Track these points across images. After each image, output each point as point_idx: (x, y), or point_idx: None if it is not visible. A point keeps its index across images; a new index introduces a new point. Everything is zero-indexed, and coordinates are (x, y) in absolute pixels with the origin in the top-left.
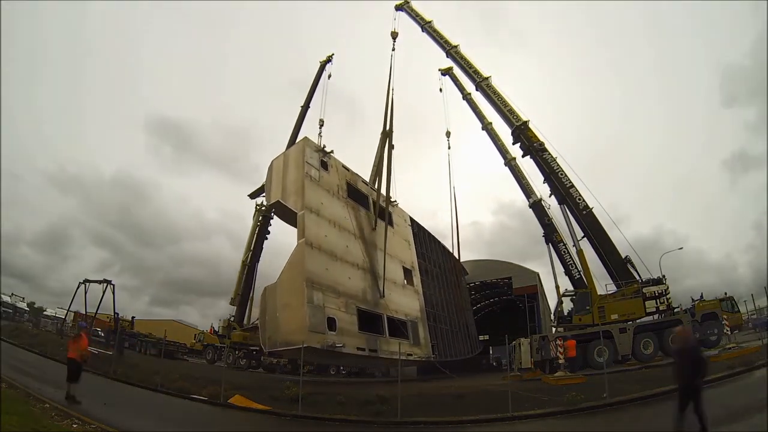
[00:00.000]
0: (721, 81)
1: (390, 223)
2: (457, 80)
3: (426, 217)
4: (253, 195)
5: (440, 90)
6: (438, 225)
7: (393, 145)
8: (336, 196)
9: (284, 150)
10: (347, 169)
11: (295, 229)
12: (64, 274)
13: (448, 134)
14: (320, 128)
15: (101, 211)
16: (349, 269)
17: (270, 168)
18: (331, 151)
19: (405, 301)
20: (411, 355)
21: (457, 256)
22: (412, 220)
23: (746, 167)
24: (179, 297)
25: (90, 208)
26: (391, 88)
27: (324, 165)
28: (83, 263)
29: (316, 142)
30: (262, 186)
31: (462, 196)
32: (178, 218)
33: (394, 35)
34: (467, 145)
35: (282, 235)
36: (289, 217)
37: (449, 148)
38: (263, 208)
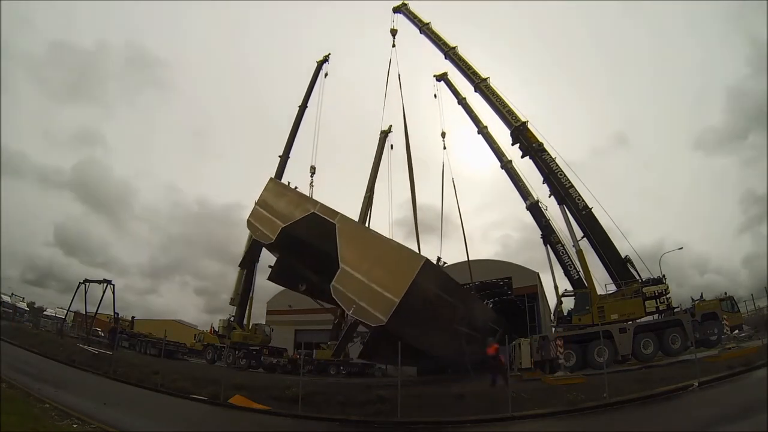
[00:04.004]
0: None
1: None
2: (452, 85)
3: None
4: (243, 264)
5: (434, 96)
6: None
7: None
8: None
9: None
10: None
11: None
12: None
13: (443, 135)
14: (312, 176)
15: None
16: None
17: (249, 223)
18: (296, 188)
19: None
20: None
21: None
22: None
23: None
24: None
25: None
26: (397, 76)
27: None
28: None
29: (307, 189)
30: (247, 251)
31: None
32: None
33: (394, 32)
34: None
35: None
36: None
37: (444, 148)
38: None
